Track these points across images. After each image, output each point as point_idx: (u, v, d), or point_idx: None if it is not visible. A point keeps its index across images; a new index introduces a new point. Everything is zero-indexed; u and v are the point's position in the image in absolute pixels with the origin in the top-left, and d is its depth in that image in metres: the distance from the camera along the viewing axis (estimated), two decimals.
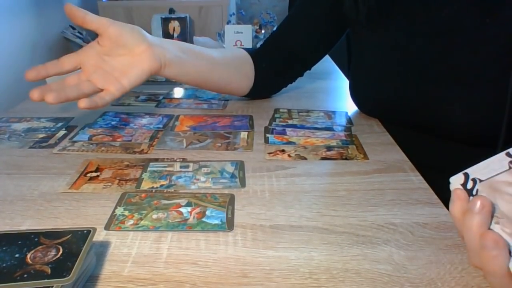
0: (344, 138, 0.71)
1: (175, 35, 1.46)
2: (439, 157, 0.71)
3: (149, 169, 0.60)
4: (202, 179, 0.58)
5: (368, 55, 0.77)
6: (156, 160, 0.63)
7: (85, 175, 0.59)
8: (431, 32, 0.67)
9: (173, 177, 0.58)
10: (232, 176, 0.58)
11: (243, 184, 0.56)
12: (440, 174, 0.63)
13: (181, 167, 0.61)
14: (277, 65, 0.86)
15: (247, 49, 0.87)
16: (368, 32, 0.75)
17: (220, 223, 0.48)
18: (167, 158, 0.64)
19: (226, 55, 0.83)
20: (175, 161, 0.63)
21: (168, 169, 0.60)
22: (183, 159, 0.63)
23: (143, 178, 0.58)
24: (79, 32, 1.36)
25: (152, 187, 0.55)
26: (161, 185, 0.56)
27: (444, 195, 0.53)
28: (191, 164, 0.62)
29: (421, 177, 0.58)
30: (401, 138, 0.71)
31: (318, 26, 0.83)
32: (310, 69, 0.90)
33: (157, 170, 0.60)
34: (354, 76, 0.82)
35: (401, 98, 0.72)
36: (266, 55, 0.86)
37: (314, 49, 0.87)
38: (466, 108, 0.65)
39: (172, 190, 0.55)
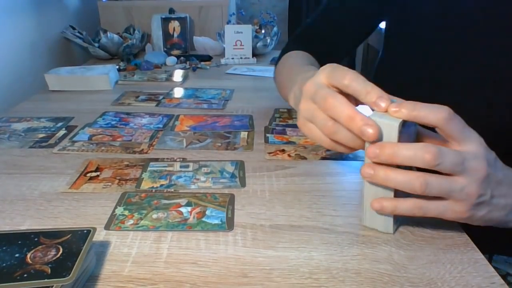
0: None
1: (175, 35, 1.46)
2: None
3: (149, 169, 0.60)
4: (202, 178, 0.58)
5: (400, 46, 0.73)
6: (156, 160, 0.63)
7: (85, 175, 0.59)
8: (465, 25, 0.61)
9: (173, 177, 0.58)
10: (232, 176, 0.58)
11: (243, 184, 0.56)
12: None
13: (181, 167, 0.61)
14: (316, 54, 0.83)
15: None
16: (401, 22, 0.72)
17: (220, 223, 0.48)
18: (167, 158, 0.64)
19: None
20: (175, 161, 0.63)
21: (168, 169, 0.60)
22: (183, 158, 0.63)
23: (143, 178, 0.58)
24: (79, 32, 1.36)
25: (152, 187, 0.55)
26: (161, 185, 0.56)
27: None
28: (191, 164, 0.62)
29: None
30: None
31: (357, 16, 0.80)
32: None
33: (157, 170, 0.60)
34: (380, 66, 0.79)
35: (423, 89, 0.66)
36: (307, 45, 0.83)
37: (348, 41, 0.84)
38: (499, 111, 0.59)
39: (172, 190, 0.55)
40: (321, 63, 0.79)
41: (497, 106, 0.59)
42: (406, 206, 0.41)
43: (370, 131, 0.39)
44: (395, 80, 0.73)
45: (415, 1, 0.67)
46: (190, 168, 0.61)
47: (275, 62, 0.85)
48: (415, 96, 0.67)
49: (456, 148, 0.40)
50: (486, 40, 0.59)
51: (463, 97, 0.62)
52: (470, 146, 0.40)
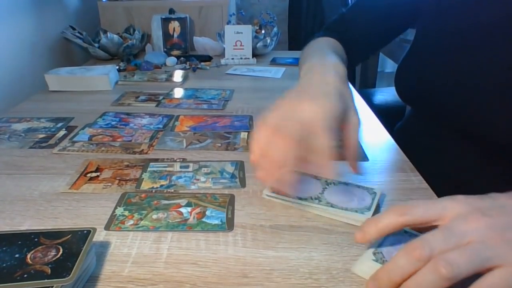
0: None
1: (175, 35, 1.46)
2: (453, 163, 0.67)
3: (149, 169, 0.60)
4: (202, 179, 0.58)
5: (426, 42, 0.73)
6: (156, 160, 0.63)
7: (85, 175, 0.59)
8: (495, 23, 0.59)
9: (173, 177, 0.58)
10: (232, 176, 0.58)
11: (243, 184, 0.56)
12: (441, 176, 0.63)
13: (181, 167, 0.61)
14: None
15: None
16: (431, 21, 0.71)
17: (220, 223, 0.48)
18: (167, 158, 0.64)
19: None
20: (175, 161, 0.63)
21: (168, 169, 0.60)
22: (183, 159, 0.63)
23: (143, 178, 0.58)
24: (79, 32, 1.36)
25: (152, 187, 0.55)
26: (161, 185, 0.56)
27: (444, 195, 0.53)
28: (191, 164, 0.62)
29: (421, 177, 0.58)
30: (428, 137, 0.69)
31: (391, 12, 0.79)
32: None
33: (157, 170, 0.60)
34: (404, 62, 0.78)
35: (448, 93, 0.66)
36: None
37: (379, 37, 0.83)
38: None
39: (172, 190, 0.55)
40: (349, 55, 0.78)
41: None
42: None
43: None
44: (416, 78, 0.72)
45: (448, 10, 0.66)
46: (190, 169, 0.61)
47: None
48: (436, 95, 0.67)
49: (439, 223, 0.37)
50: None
51: (485, 104, 0.61)
52: (448, 214, 0.37)
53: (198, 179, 0.58)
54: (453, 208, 0.37)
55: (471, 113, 0.62)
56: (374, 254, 0.41)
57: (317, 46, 0.73)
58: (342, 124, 0.49)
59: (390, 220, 0.38)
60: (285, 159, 0.44)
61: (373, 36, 0.81)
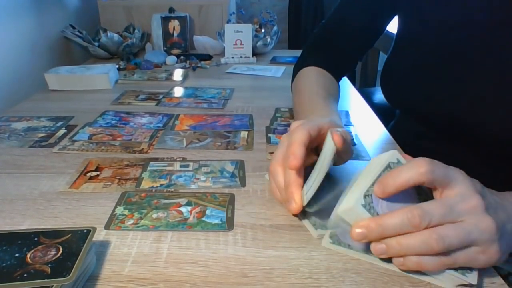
0: None
1: (175, 34, 1.46)
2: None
3: (149, 168, 0.60)
4: (202, 178, 0.58)
5: (409, 41, 0.72)
6: (156, 159, 0.63)
7: (85, 175, 0.59)
8: (476, 20, 0.59)
9: (173, 177, 0.58)
10: (232, 175, 0.58)
11: (243, 184, 0.56)
12: None
13: (181, 166, 0.61)
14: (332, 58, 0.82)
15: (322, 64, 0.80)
16: (414, 17, 0.70)
17: (220, 222, 0.48)
18: (167, 158, 0.64)
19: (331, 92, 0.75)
20: (175, 160, 0.63)
21: (168, 168, 0.60)
22: (183, 158, 0.63)
23: (143, 178, 0.58)
24: (79, 31, 1.36)
25: (152, 187, 0.55)
26: (161, 185, 0.56)
27: None
28: (191, 164, 0.62)
29: None
30: (417, 138, 0.69)
31: (368, 15, 0.78)
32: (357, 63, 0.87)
33: (157, 169, 0.60)
34: (388, 63, 0.77)
35: (435, 92, 0.66)
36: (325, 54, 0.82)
37: (360, 44, 0.82)
38: (506, 113, 0.58)
39: (172, 190, 0.55)
40: (336, 73, 0.80)
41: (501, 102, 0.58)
42: (433, 263, 0.38)
43: (292, 204, 0.46)
44: (400, 82, 0.72)
45: (431, 6, 0.65)
46: (190, 168, 0.60)
47: (292, 77, 0.83)
48: (420, 99, 0.67)
49: (442, 195, 0.39)
50: (498, 49, 0.58)
51: (472, 105, 0.60)
52: (455, 187, 0.38)
53: (198, 178, 0.58)
54: (463, 185, 0.38)
55: (458, 113, 0.62)
56: (365, 197, 0.39)
57: (308, 87, 0.73)
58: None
59: (411, 176, 0.38)
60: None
61: (353, 48, 0.81)
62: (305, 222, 0.48)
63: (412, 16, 0.69)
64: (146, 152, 0.66)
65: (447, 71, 0.63)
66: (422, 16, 0.66)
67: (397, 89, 0.74)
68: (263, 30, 1.45)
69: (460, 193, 0.38)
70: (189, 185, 0.56)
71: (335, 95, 0.74)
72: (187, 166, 0.61)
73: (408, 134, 0.74)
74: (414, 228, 0.37)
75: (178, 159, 0.63)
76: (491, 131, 0.60)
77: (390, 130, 0.78)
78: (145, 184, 0.56)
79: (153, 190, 0.55)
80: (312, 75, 0.77)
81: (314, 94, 0.69)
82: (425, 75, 0.66)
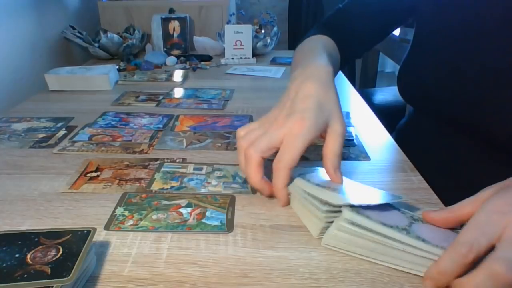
0: (346, 138, 0.71)
1: (175, 35, 1.46)
2: (456, 162, 0.67)
3: (162, 169, 0.60)
4: (214, 182, 0.57)
5: (425, 41, 0.72)
6: (156, 160, 0.63)
7: (85, 175, 0.59)
8: (494, 19, 0.59)
9: (185, 179, 0.57)
10: (244, 181, 0.57)
11: (254, 191, 0.55)
12: (443, 176, 0.63)
13: (194, 169, 0.60)
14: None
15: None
16: (431, 16, 0.70)
17: (220, 224, 0.48)
18: (167, 159, 0.64)
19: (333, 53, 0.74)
20: (189, 163, 0.62)
21: (181, 170, 0.60)
22: (183, 159, 0.63)
23: (155, 179, 0.57)
24: (79, 32, 1.36)
25: (163, 188, 0.55)
26: (172, 187, 0.55)
27: (445, 195, 0.53)
28: (204, 167, 0.61)
29: (421, 177, 0.58)
30: (430, 134, 0.69)
31: (387, 7, 0.77)
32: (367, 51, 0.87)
33: (170, 171, 0.60)
34: (408, 61, 0.77)
35: (450, 92, 0.66)
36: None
37: (374, 34, 0.82)
38: None
39: (173, 191, 0.55)
40: (343, 52, 0.77)
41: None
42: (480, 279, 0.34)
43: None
44: (420, 81, 0.72)
45: (446, 8, 0.65)
46: (203, 171, 0.60)
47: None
48: (438, 100, 0.67)
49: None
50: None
51: (488, 102, 0.60)
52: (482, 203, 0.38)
53: (209, 183, 0.57)
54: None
55: (474, 110, 0.62)
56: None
57: (308, 46, 0.72)
58: (324, 133, 0.50)
59: (454, 263, 0.36)
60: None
61: (369, 32, 0.80)
62: (312, 221, 0.47)
63: (430, 16, 0.69)
64: (146, 153, 0.66)
65: (464, 68, 0.63)
66: (441, 18, 0.66)
67: (414, 85, 0.73)
68: (263, 31, 1.45)
69: (489, 207, 0.37)
70: (199, 189, 0.55)
71: (336, 58, 0.73)
72: (201, 169, 0.60)
73: (422, 133, 0.74)
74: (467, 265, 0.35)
75: (191, 162, 0.62)
76: (507, 130, 0.59)
77: (399, 129, 0.77)
78: (156, 186, 0.56)
79: (154, 191, 0.54)
80: (316, 39, 0.75)
81: (313, 49, 0.68)
82: (443, 70, 0.66)
